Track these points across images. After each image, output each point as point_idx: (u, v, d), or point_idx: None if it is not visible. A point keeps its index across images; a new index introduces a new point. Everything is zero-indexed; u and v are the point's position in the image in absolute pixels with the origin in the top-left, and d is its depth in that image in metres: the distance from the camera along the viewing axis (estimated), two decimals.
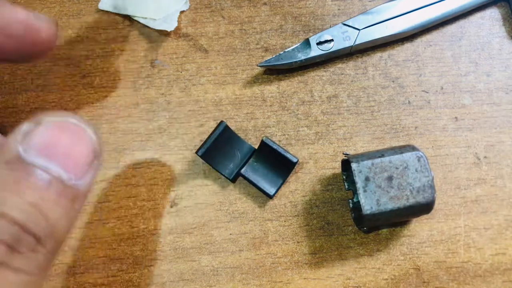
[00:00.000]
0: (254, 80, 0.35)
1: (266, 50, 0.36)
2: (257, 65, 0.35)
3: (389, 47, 0.36)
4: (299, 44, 0.35)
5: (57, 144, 0.19)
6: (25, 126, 0.19)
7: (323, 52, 0.34)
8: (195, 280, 0.31)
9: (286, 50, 0.34)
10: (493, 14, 0.37)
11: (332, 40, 0.35)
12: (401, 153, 0.29)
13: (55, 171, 0.19)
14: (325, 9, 0.37)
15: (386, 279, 0.31)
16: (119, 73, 0.36)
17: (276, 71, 0.35)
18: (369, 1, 0.37)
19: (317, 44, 0.34)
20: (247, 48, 0.36)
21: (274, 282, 0.31)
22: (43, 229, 0.18)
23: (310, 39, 0.35)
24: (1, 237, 0.17)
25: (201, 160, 0.33)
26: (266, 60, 0.34)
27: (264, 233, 0.32)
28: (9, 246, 0.17)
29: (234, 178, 0.33)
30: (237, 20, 0.37)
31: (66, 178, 0.19)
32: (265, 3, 0.37)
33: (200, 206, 0.33)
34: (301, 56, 0.34)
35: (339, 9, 0.37)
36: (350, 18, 0.35)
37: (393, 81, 0.35)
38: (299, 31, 0.36)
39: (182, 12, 0.37)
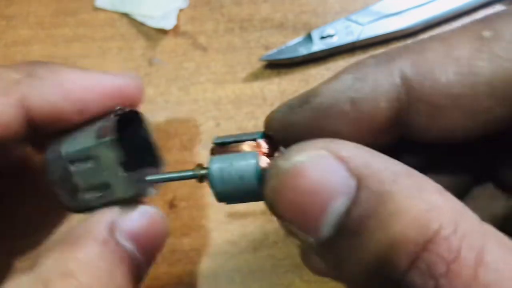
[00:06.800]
0: (254, 79, 0.35)
1: (267, 48, 0.35)
2: (259, 59, 0.34)
3: (392, 46, 0.35)
4: (301, 38, 0.34)
5: (145, 232, 0.22)
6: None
7: (326, 47, 0.34)
8: (195, 283, 0.31)
9: (288, 45, 0.34)
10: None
11: (334, 34, 0.34)
12: None
13: (136, 258, 0.21)
14: (327, 6, 0.37)
15: None
16: (116, 72, 0.35)
17: (277, 66, 0.35)
18: None
19: (320, 38, 0.34)
20: (247, 46, 0.36)
21: (275, 284, 0.31)
22: None
23: (312, 33, 0.34)
24: None
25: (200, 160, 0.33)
26: (267, 54, 0.34)
27: (265, 235, 0.32)
28: None
29: None
30: (237, 18, 0.36)
31: (140, 261, 0.22)
32: (265, 1, 0.37)
33: (199, 208, 0.32)
34: (303, 51, 0.34)
35: (340, 7, 0.36)
36: (353, 13, 0.35)
37: None
38: (300, 29, 0.36)
39: (181, 9, 0.36)
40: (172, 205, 0.32)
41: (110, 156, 0.21)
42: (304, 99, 0.18)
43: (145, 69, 0.35)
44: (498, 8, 0.36)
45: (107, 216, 0.21)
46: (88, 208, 0.23)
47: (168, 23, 0.35)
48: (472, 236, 0.13)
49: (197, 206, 0.32)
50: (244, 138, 0.20)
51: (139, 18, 0.36)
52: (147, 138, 0.23)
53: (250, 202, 0.20)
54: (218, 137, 0.21)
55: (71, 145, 0.22)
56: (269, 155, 0.19)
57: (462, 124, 0.16)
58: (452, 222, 0.14)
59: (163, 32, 0.36)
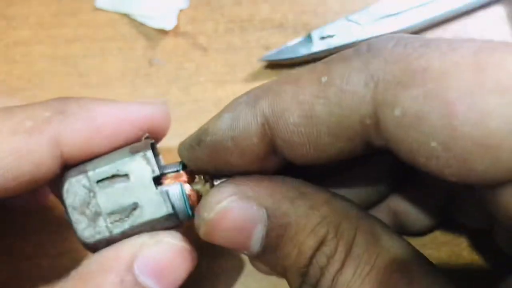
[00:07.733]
0: (254, 79, 0.35)
1: (267, 48, 0.35)
2: (259, 60, 0.34)
3: None
4: (301, 38, 0.34)
5: (168, 268, 0.22)
6: (142, 240, 0.21)
7: (326, 48, 0.34)
8: (195, 284, 0.31)
9: (288, 45, 0.34)
10: (497, 12, 0.36)
11: (334, 35, 0.34)
12: None
13: None
14: (327, 6, 0.37)
15: None
16: (117, 72, 0.35)
17: (277, 66, 0.35)
18: None
19: (320, 39, 0.34)
20: (247, 47, 0.36)
21: (275, 285, 0.31)
22: None
23: (312, 33, 0.34)
24: None
25: None
26: (267, 55, 0.34)
27: None
28: None
29: None
30: (237, 18, 0.36)
31: None
32: (265, 1, 0.37)
33: None
34: (304, 51, 0.34)
35: (340, 7, 0.36)
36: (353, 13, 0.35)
37: None
38: (300, 29, 0.36)
39: (181, 10, 0.36)
40: None
41: (143, 170, 0.21)
42: (199, 138, 0.21)
43: (145, 69, 0.35)
44: (498, 8, 0.36)
45: (126, 249, 0.20)
46: (105, 240, 0.21)
47: (168, 24, 0.35)
48: (348, 233, 0.19)
49: None
50: (168, 170, 0.23)
51: (139, 19, 0.36)
52: None
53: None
54: None
55: (99, 165, 0.21)
56: (190, 181, 0.23)
57: (313, 155, 0.19)
58: (334, 227, 0.19)
59: (163, 32, 0.36)
